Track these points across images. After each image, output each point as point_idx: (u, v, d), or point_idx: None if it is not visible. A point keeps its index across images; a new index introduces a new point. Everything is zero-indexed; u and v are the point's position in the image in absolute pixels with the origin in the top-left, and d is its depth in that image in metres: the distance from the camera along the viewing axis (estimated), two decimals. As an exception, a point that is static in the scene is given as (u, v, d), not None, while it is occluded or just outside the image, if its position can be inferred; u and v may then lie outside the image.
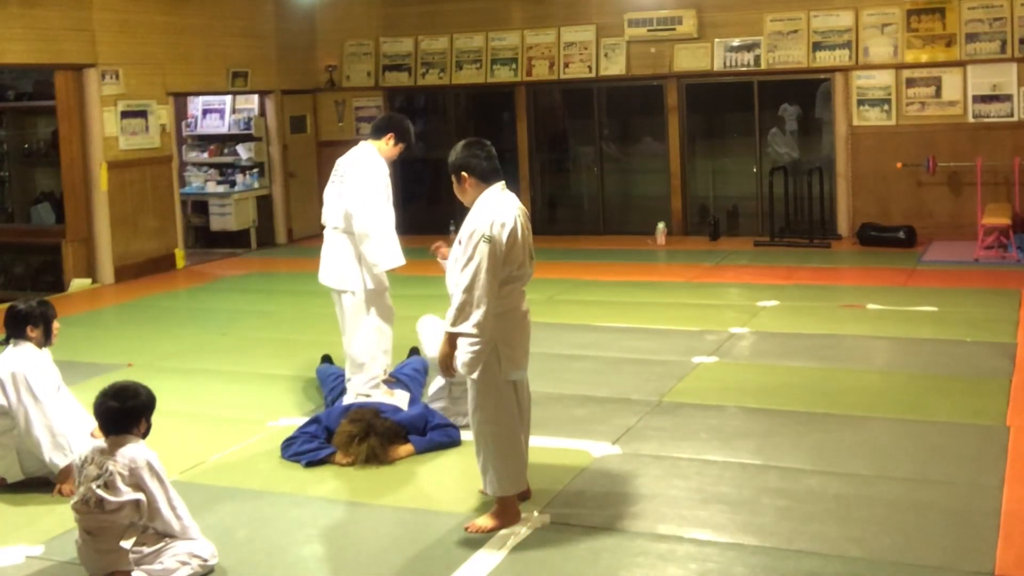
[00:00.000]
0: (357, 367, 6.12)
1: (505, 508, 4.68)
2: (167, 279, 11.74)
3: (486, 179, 4.68)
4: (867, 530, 4.50)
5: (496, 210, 4.56)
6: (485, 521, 4.66)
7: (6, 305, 5.84)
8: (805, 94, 13.00)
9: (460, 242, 4.58)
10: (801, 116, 13.03)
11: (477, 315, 4.46)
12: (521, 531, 4.62)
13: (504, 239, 4.50)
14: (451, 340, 4.58)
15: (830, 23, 12.46)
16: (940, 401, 6.29)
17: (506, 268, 4.54)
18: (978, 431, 5.72)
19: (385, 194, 6.07)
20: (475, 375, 4.59)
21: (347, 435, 5.57)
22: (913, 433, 5.73)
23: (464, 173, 4.69)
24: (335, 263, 6.13)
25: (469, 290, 4.46)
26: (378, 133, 6.18)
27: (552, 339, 7.81)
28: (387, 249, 5.99)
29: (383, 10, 14.50)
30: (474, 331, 4.47)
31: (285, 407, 6.66)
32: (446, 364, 4.65)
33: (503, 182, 4.73)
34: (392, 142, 6.15)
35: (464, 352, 4.57)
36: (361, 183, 5.98)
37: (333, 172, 6.23)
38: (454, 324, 4.51)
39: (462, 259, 4.52)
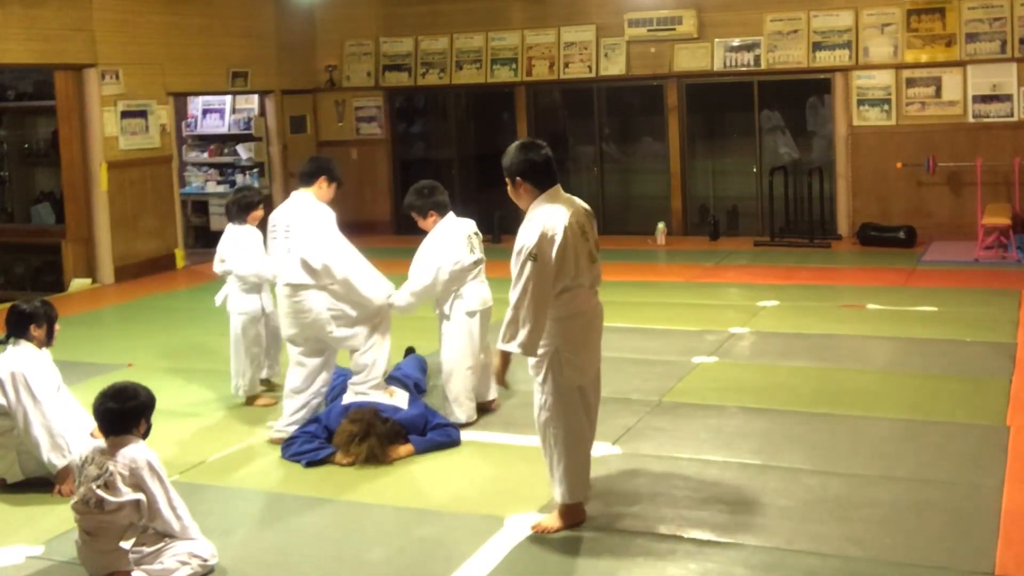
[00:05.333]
0: (361, 368, 6.10)
1: (572, 507, 4.65)
2: (167, 279, 11.74)
3: (541, 185, 4.58)
4: (867, 530, 4.50)
5: (546, 222, 4.46)
6: (551, 522, 4.63)
7: (6, 305, 5.86)
8: (803, 94, 13.01)
9: (515, 254, 4.50)
10: (782, 123, 13.06)
11: (523, 334, 4.40)
12: (521, 531, 4.62)
13: (552, 255, 4.42)
14: (504, 356, 4.55)
15: (830, 23, 12.46)
16: (940, 401, 6.29)
17: (559, 282, 4.46)
18: (978, 431, 5.72)
19: (339, 236, 5.96)
20: (539, 378, 4.56)
21: (347, 435, 5.57)
22: (913, 433, 5.73)
23: (519, 178, 4.59)
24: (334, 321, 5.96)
25: (517, 307, 4.42)
26: (309, 180, 6.06)
27: (552, 339, 7.80)
28: (375, 285, 5.93)
29: (383, 10, 14.51)
30: (518, 351, 4.44)
31: (285, 407, 6.65)
32: (499, 378, 4.65)
33: (558, 185, 4.64)
34: (325, 184, 6.07)
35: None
36: (316, 235, 5.85)
37: (271, 228, 6.08)
38: (505, 341, 4.47)
39: (513, 275, 4.47)
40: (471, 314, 6.18)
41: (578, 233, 4.53)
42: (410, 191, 6.36)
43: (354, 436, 5.55)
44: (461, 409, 6.14)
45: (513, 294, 4.43)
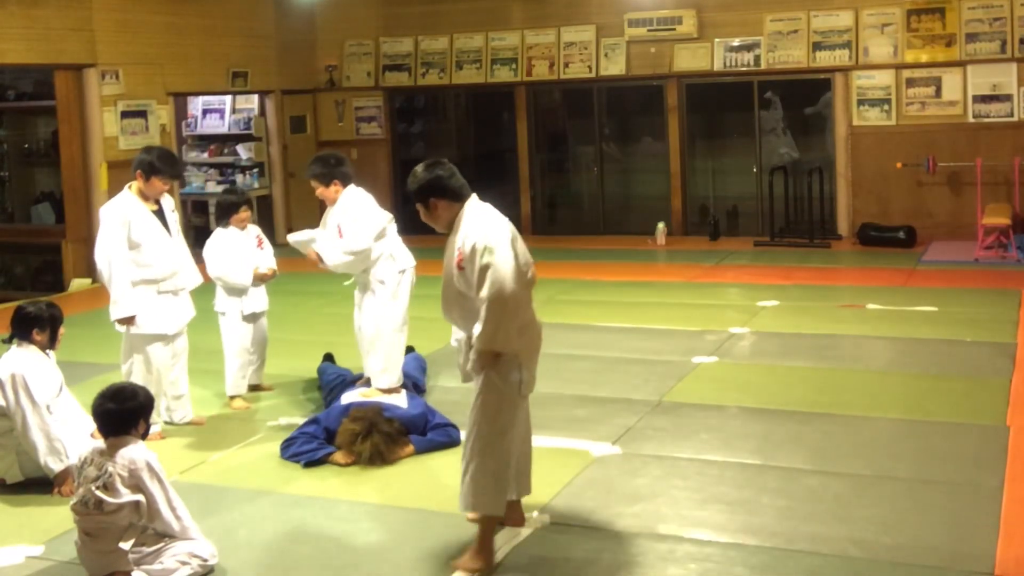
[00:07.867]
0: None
1: (483, 544, 4.32)
2: (167, 279, 11.71)
3: (459, 198, 4.39)
4: (867, 530, 4.50)
5: (489, 219, 4.32)
6: (470, 562, 4.30)
7: (8, 305, 5.86)
8: (804, 94, 13.01)
9: (468, 256, 4.25)
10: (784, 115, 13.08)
11: (499, 335, 4.17)
12: (521, 531, 4.61)
13: (508, 248, 4.22)
14: (485, 355, 4.26)
15: (830, 23, 12.46)
16: (940, 401, 6.29)
17: (520, 277, 4.25)
18: (978, 431, 5.72)
19: (117, 238, 5.97)
20: (491, 379, 4.30)
21: (350, 434, 5.56)
22: (913, 433, 5.74)
23: (433, 199, 4.37)
24: None
25: (489, 308, 4.15)
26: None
27: (552, 339, 7.73)
28: (114, 299, 5.94)
29: (383, 10, 14.51)
30: (498, 349, 4.22)
31: (285, 407, 6.66)
32: (478, 371, 4.35)
33: (475, 194, 4.45)
34: (141, 179, 6.14)
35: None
36: (100, 231, 6.05)
37: None
38: (483, 343, 4.19)
39: (471, 279, 4.23)
40: (403, 272, 6.31)
41: (515, 232, 4.36)
42: (313, 160, 6.46)
43: (357, 435, 5.54)
44: (388, 376, 6.22)
45: (483, 295, 4.17)
